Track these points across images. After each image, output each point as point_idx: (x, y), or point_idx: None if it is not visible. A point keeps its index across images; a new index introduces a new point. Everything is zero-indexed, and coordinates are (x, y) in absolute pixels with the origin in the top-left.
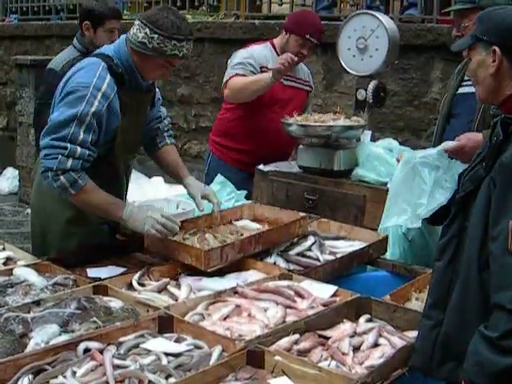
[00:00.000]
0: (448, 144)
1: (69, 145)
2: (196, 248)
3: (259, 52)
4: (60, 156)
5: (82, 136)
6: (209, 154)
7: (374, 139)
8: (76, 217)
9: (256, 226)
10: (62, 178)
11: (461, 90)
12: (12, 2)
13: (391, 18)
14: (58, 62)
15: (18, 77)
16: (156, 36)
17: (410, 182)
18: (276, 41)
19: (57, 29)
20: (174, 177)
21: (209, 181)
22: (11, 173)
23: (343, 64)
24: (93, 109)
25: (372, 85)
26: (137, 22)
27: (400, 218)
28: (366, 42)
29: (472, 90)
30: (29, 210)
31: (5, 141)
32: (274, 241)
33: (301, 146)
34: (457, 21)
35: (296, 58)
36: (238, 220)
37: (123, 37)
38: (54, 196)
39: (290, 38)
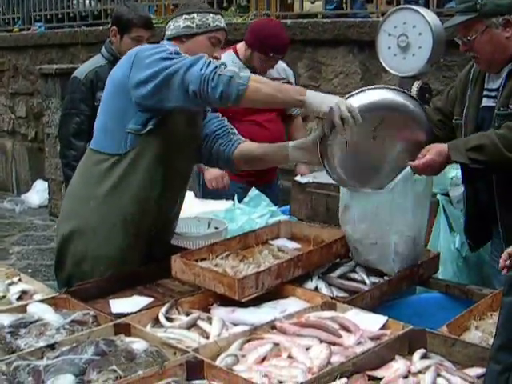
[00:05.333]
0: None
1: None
2: (228, 276)
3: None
4: (202, 61)
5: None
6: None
7: None
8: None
9: (294, 245)
10: (224, 71)
11: (485, 103)
12: (36, 10)
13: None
14: (82, 71)
15: (44, 87)
16: (195, 15)
17: None
18: (239, 48)
19: (82, 36)
20: (274, 157)
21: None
22: (41, 185)
23: (384, 64)
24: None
25: (416, 86)
26: (168, 25)
27: None
28: (407, 40)
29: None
30: None
31: (34, 153)
32: (315, 263)
33: None
34: (462, 34)
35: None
36: (274, 239)
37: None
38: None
39: (253, 54)
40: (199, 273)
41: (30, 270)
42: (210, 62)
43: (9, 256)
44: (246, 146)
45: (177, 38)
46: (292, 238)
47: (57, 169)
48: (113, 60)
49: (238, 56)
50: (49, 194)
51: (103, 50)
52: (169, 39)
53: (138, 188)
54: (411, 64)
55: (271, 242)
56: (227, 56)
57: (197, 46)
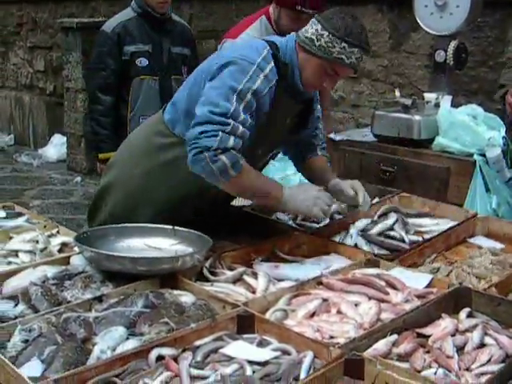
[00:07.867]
0: None
1: (231, 121)
2: None
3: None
4: (221, 133)
5: (242, 115)
6: None
7: (454, 105)
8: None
9: (497, 245)
10: (223, 157)
11: None
12: None
13: None
14: (110, 24)
15: (64, 41)
16: (326, 33)
17: None
18: (271, 10)
19: None
20: (318, 183)
21: None
22: (58, 139)
23: (420, 23)
24: (254, 86)
25: (452, 45)
26: (312, 20)
27: None
28: None
29: None
30: (78, 179)
31: (52, 107)
32: None
33: (377, 112)
34: None
35: None
36: (470, 237)
37: (293, 33)
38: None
39: (281, 12)
40: None
41: None
42: (223, 135)
43: (29, 209)
44: (312, 162)
45: (299, 44)
46: (488, 235)
47: (76, 123)
48: (142, 13)
49: (269, 19)
50: (67, 148)
51: (133, 2)
52: (295, 40)
53: (178, 181)
54: (448, 23)
55: (469, 240)
56: (259, 25)
57: (309, 65)
